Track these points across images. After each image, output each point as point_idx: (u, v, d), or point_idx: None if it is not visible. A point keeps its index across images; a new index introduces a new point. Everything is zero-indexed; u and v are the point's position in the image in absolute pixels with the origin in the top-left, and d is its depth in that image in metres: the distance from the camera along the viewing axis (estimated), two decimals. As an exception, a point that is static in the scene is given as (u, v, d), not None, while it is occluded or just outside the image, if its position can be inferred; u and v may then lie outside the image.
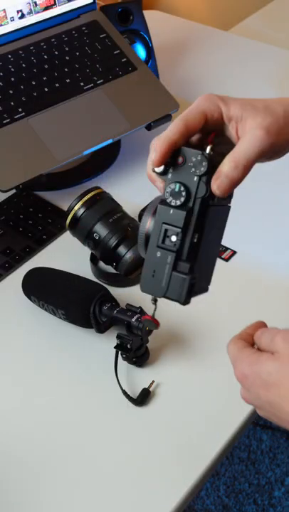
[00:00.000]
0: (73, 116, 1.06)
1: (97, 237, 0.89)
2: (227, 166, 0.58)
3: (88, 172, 1.12)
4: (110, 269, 0.92)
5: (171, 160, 0.59)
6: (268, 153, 0.59)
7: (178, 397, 0.80)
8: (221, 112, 0.60)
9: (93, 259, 0.94)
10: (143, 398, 0.79)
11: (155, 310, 0.66)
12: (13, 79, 1.07)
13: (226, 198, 0.59)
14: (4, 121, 1.02)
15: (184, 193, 0.58)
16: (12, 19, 1.10)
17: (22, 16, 1.10)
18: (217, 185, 0.58)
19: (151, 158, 0.60)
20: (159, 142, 0.59)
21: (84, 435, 0.77)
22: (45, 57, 1.11)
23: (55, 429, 0.78)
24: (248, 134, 0.59)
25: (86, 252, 0.94)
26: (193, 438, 0.76)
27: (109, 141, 1.04)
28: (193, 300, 0.66)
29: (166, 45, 1.43)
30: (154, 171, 0.60)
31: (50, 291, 0.86)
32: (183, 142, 0.59)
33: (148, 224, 0.61)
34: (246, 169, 0.58)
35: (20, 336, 0.89)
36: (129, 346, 0.79)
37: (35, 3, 1.11)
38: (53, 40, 1.13)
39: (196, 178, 0.58)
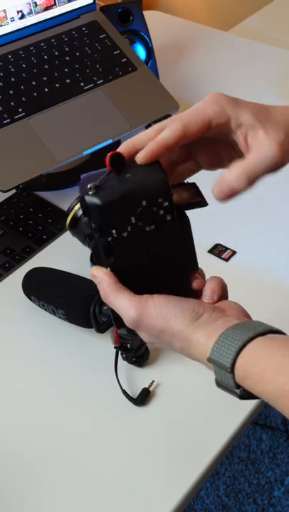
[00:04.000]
0: (73, 116, 1.06)
1: (97, 237, 0.89)
2: (233, 175, 0.55)
3: (88, 172, 1.12)
4: (110, 269, 0.92)
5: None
6: (276, 169, 0.57)
7: (178, 397, 0.80)
8: (228, 118, 0.56)
9: (93, 259, 0.94)
10: (143, 398, 0.79)
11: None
12: (13, 79, 1.07)
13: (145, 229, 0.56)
14: (4, 121, 1.03)
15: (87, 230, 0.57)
16: (12, 19, 1.10)
17: (22, 17, 1.10)
18: (217, 190, 0.56)
19: (132, 147, 0.57)
20: (153, 143, 0.56)
21: (84, 435, 0.77)
22: (46, 57, 1.11)
23: (54, 428, 0.78)
24: (261, 148, 0.55)
25: (86, 252, 0.93)
26: (193, 438, 0.76)
27: (110, 141, 1.04)
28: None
29: (166, 45, 1.43)
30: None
31: (50, 291, 0.86)
32: (176, 147, 0.56)
33: None
34: (252, 182, 0.56)
35: (20, 336, 0.89)
36: (129, 346, 0.79)
37: (36, 3, 1.11)
38: (53, 40, 1.13)
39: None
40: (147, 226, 0.56)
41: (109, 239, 0.56)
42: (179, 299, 0.56)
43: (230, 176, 0.56)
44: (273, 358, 0.51)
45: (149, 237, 0.56)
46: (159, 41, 1.30)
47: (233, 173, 0.56)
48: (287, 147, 0.56)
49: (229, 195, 0.56)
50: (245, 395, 0.53)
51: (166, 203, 0.55)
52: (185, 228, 0.58)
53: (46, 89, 1.07)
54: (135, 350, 0.80)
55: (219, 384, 0.55)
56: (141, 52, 1.23)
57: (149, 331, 0.56)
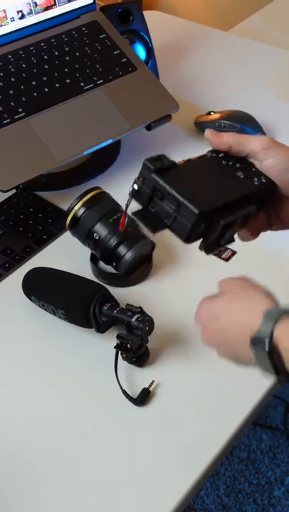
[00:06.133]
0: (73, 116, 1.06)
1: (97, 237, 0.89)
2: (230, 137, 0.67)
3: (88, 172, 1.12)
4: (110, 269, 0.92)
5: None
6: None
7: (178, 397, 0.80)
8: None
9: (93, 259, 0.94)
10: (143, 398, 0.79)
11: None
12: (13, 79, 1.07)
13: None
14: (4, 121, 1.02)
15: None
16: (12, 19, 1.10)
17: (22, 17, 1.10)
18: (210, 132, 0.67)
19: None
20: None
21: (84, 435, 0.77)
22: (46, 57, 1.11)
23: (54, 428, 0.78)
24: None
25: (86, 252, 0.94)
26: (193, 438, 0.76)
27: (109, 141, 1.04)
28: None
29: (166, 45, 1.43)
30: None
31: (50, 291, 0.86)
32: None
33: None
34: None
35: (20, 336, 0.89)
36: (129, 346, 0.79)
37: (36, 3, 1.11)
38: (53, 40, 1.13)
39: None
40: (238, 164, 0.67)
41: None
42: None
43: (228, 137, 0.67)
44: None
45: (230, 171, 0.66)
46: (159, 41, 1.30)
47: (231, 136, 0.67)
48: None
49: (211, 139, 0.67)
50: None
51: (264, 179, 0.67)
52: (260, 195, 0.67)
53: (46, 89, 1.07)
54: (135, 350, 0.80)
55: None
56: (141, 52, 1.23)
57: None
